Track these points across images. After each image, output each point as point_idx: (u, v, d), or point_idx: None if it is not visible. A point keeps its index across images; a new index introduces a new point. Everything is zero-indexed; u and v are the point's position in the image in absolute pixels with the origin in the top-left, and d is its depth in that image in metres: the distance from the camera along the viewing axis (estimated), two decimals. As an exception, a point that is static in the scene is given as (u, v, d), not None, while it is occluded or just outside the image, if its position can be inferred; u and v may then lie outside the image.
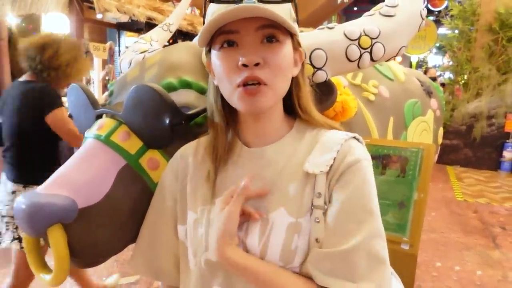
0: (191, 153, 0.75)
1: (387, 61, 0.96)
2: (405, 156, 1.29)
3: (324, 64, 0.85)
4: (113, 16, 4.23)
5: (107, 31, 6.98)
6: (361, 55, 0.86)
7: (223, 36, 0.63)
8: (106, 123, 0.83)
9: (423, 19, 0.94)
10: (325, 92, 0.91)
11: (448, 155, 6.84)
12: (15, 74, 3.94)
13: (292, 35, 0.66)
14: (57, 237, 0.70)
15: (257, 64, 0.61)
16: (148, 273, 0.77)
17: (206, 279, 0.68)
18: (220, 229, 0.63)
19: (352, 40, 0.85)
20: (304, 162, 0.66)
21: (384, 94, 1.59)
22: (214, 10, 0.63)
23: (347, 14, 17.18)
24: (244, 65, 0.60)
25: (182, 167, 0.74)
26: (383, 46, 0.87)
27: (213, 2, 0.63)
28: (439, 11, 10.76)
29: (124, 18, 4.84)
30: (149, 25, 4.62)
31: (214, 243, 0.63)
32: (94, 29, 6.03)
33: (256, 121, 0.69)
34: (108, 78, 4.50)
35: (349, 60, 0.86)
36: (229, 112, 0.71)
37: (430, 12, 12.18)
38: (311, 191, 0.65)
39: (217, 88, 0.70)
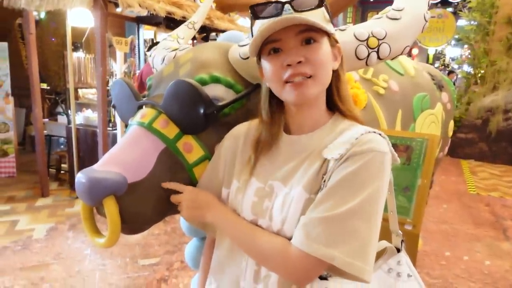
0: (244, 132, 0.91)
1: (393, 59, 1.07)
2: (411, 146, 1.40)
3: (336, 62, 0.97)
4: (133, 10, 4.37)
5: (126, 25, 7.16)
6: (369, 54, 0.97)
7: (269, 45, 0.76)
8: (148, 112, 0.97)
9: (426, 21, 1.05)
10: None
11: (463, 149, 6.83)
12: (40, 68, 4.14)
13: (328, 34, 0.78)
14: (110, 206, 0.85)
15: (299, 62, 0.73)
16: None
17: None
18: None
19: (361, 40, 0.97)
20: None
21: (394, 88, 1.69)
22: (259, 24, 0.76)
23: (364, 6, 16.97)
24: (289, 65, 0.73)
25: (233, 143, 0.91)
26: (389, 46, 0.98)
27: (257, 19, 0.77)
28: (458, 3, 10.57)
29: (143, 12, 4.97)
30: (168, 19, 4.76)
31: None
32: (114, 22, 6.21)
33: (300, 112, 0.81)
34: (129, 71, 4.68)
35: (358, 59, 0.97)
36: (277, 108, 0.85)
37: (448, 4, 11.97)
38: (322, 173, 0.75)
39: (266, 90, 0.85)
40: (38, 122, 4.21)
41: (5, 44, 4.98)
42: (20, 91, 5.56)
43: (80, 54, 5.63)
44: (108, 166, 0.87)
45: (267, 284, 0.78)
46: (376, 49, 0.97)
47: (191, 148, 0.95)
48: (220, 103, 0.94)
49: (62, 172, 4.94)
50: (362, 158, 0.70)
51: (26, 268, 2.76)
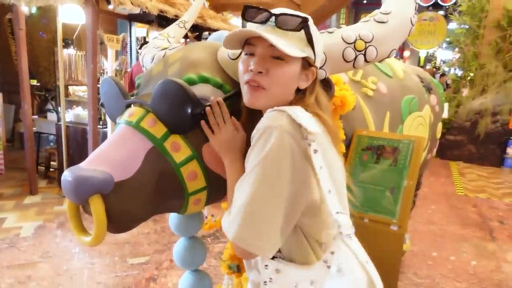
0: None
1: (380, 61, 1.08)
2: (398, 147, 1.42)
3: (324, 64, 0.98)
4: (126, 7, 4.35)
5: (118, 22, 7.11)
6: (356, 57, 0.99)
7: (246, 47, 0.86)
8: (136, 111, 0.97)
9: (412, 25, 1.06)
10: (325, 88, 1.04)
11: (451, 151, 6.92)
12: (30, 65, 4.09)
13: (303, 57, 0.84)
14: (97, 205, 0.85)
15: (260, 72, 0.82)
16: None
17: None
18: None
19: (348, 43, 0.98)
20: None
21: (382, 90, 1.72)
22: (245, 25, 0.87)
23: (357, 7, 17.07)
24: (251, 70, 0.82)
25: None
26: (376, 49, 0.99)
27: (246, 21, 0.84)
28: (449, 6, 10.70)
29: (136, 10, 4.95)
30: (160, 18, 4.74)
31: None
32: (105, 19, 6.16)
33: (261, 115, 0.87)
34: (120, 69, 4.65)
35: (346, 61, 0.99)
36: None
37: (439, 7, 12.10)
38: None
39: None
40: (27, 119, 4.16)
41: (-7, 40, 4.91)
42: (9, 87, 5.49)
43: (71, 51, 5.58)
44: (95, 164, 0.87)
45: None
46: (363, 52, 0.99)
47: (178, 148, 0.95)
48: (208, 103, 0.94)
49: (51, 169, 4.89)
50: (257, 138, 0.77)
51: (13, 266, 2.73)
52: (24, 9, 3.99)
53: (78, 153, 4.23)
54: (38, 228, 3.38)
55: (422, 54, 12.87)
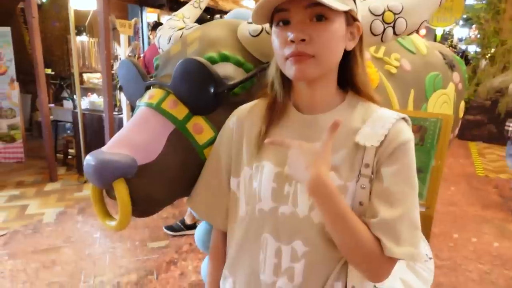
0: (247, 113, 0.85)
1: (409, 34, 1.02)
2: (425, 126, 1.37)
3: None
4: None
5: (128, 7, 7.06)
6: (384, 30, 0.93)
7: (278, 15, 0.71)
8: (156, 93, 0.94)
9: (444, -6, 1.00)
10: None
11: (470, 131, 6.75)
12: (44, 53, 4.10)
13: (346, 11, 0.70)
14: (121, 189, 0.83)
15: (303, 40, 0.68)
16: (203, 215, 0.91)
17: (257, 226, 0.79)
18: (320, 156, 0.67)
19: (376, 15, 0.93)
20: (354, 133, 0.74)
21: (406, 67, 1.65)
22: None
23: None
24: (292, 41, 0.68)
25: (237, 127, 0.85)
26: (406, 21, 0.94)
27: None
28: (468, -19, 10.26)
29: (146, -6, 4.89)
30: (171, 1, 4.68)
31: (311, 166, 0.66)
32: (116, 5, 6.12)
33: (308, 90, 0.76)
34: (133, 55, 4.63)
35: (374, 34, 0.93)
36: (286, 82, 0.79)
37: (457, -18, 11.62)
38: (360, 161, 0.73)
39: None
40: (44, 108, 4.20)
41: (8, 29, 4.94)
42: (25, 77, 5.54)
43: (83, 38, 5.58)
44: (118, 148, 0.86)
45: (292, 276, 0.75)
46: (392, 24, 0.93)
47: (201, 129, 0.92)
48: (230, 82, 0.91)
49: (69, 157, 4.96)
50: (406, 149, 0.72)
51: (38, 251, 2.80)
52: (36, -3, 3.98)
53: (95, 140, 4.27)
54: (59, 214, 3.45)
55: (439, 32, 12.47)
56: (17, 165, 4.88)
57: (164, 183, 0.90)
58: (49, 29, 6.17)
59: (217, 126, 0.94)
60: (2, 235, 3.03)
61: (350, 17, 0.73)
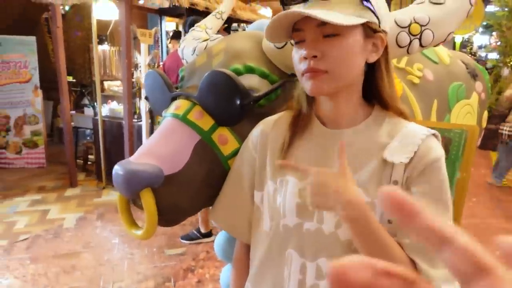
0: (272, 125, 0.85)
1: (435, 46, 1.01)
2: (449, 137, 1.35)
3: (376, 50, 0.93)
4: (156, 2, 4.39)
5: (148, 17, 7.21)
6: (411, 42, 0.93)
7: (294, 34, 0.74)
8: (182, 104, 0.96)
9: (471, 5, 0.99)
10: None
11: (492, 141, 6.58)
12: (66, 62, 4.22)
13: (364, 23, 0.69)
14: (147, 198, 0.85)
15: (315, 56, 0.69)
16: (225, 227, 0.91)
17: (282, 241, 0.78)
18: (344, 176, 0.65)
19: (402, 27, 0.92)
20: (382, 149, 0.72)
21: (429, 77, 1.63)
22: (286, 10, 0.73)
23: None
24: (305, 58, 0.70)
25: (262, 139, 0.85)
26: (432, 33, 0.93)
27: (286, 5, 0.74)
28: (488, -12, 10.11)
29: (166, 4, 4.99)
30: (190, 10, 4.75)
31: (341, 188, 0.63)
32: (137, 15, 6.26)
33: (330, 103, 0.76)
34: (153, 63, 4.71)
35: (400, 46, 0.93)
36: (309, 98, 0.80)
37: (477, -11, 11.45)
38: (388, 177, 0.71)
39: None
40: (66, 115, 4.31)
41: (33, 38, 5.11)
42: (48, 84, 5.70)
43: (105, 46, 5.72)
44: (145, 158, 0.87)
45: None
46: (418, 36, 0.93)
47: (226, 140, 0.93)
48: (256, 94, 0.92)
49: (89, 163, 5.06)
50: (437, 167, 0.71)
51: (58, 256, 2.85)
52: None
53: (114, 146, 4.35)
54: (79, 219, 3.51)
55: (458, 39, 12.29)
56: (39, 170, 5.01)
57: (190, 192, 0.91)
58: (71, 38, 6.34)
59: (242, 137, 0.95)
60: (25, 239, 3.10)
61: (369, 29, 0.72)
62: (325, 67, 0.69)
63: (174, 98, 1.01)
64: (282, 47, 0.98)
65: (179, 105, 0.96)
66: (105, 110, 4.55)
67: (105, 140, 4.35)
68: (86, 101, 5.83)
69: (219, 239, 1.53)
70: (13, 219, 3.49)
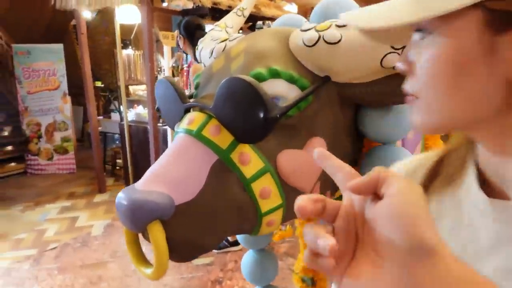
0: (411, 174, 0.55)
1: None
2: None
3: None
4: (179, 4, 4.30)
5: (172, 19, 7.18)
6: None
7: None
8: (196, 117, 0.81)
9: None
10: None
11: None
12: (94, 67, 4.22)
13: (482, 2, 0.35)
14: (156, 233, 0.71)
15: (408, 69, 0.44)
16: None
17: None
18: None
19: None
20: None
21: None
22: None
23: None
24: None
25: None
26: None
27: None
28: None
29: (189, 5, 4.90)
30: (213, 10, 4.63)
31: None
32: (160, 17, 6.23)
33: (485, 150, 0.45)
34: (177, 66, 4.64)
35: None
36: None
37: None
38: None
39: None
40: (93, 120, 4.31)
41: (60, 46, 5.18)
42: (77, 90, 5.78)
43: (129, 51, 5.72)
44: (152, 185, 0.73)
45: None
46: None
47: (248, 160, 0.78)
48: (284, 104, 0.76)
49: (117, 168, 5.07)
50: None
51: (86, 266, 2.81)
52: (86, 15, 4.11)
53: (141, 151, 4.31)
54: (107, 226, 3.48)
55: None
56: (70, 176, 5.07)
57: (206, 224, 0.76)
58: (98, 44, 6.41)
59: (267, 155, 0.80)
60: (54, 248, 3.09)
61: (497, 17, 0.36)
62: (411, 89, 0.44)
63: (187, 110, 0.87)
64: (314, 44, 0.81)
65: (193, 119, 0.81)
66: (131, 114, 4.52)
67: (132, 145, 4.32)
68: (113, 106, 5.86)
69: (247, 260, 1.39)
70: (44, 227, 3.51)
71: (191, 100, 0.88)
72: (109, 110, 6.12)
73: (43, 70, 5.13)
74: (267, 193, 0.80)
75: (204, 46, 1.15)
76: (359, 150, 0.99)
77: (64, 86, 5.21)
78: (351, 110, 0.91)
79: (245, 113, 0.74)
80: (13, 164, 5.38)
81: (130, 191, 0.73)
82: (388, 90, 0.82)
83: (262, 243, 1.33)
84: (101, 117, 5.24)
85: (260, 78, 0.80)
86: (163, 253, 0.72)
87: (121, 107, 4.37)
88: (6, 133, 5.67)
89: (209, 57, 1.09)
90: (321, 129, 0.85)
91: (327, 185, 0.92)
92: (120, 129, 4.52)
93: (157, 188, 0.73)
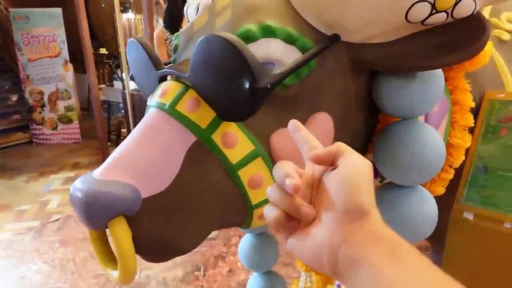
0: None
1: None
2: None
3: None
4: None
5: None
6: None
7: None
8: (170, 87, 0.65)
9: None
10: (468, 34, 0.63)
11: None
12: (98, 33, 4.02)
13: None
14: (119, 232, 0.57)
15: None
16: None
17: None
18: None
19: None
20: None
21: (523, 30, 1.20)
22: None
23: None
24: None
25: None
26: None
27: None
28: None
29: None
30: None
31: None
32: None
33: None
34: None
35: None
36: None
37: None
38: None
39: None
40: (94, 89, 4.18)
41: (59, 10, 4.95)
42: (81, 57, 5.62)
43: (130, 15, 5.47)
44: (114, 173, 0.59)
45: None
46: None
47: (234, 142, 0.62)
48: (278, 70, 0.59)
49: (122, 137, 4.98)
50: None
51: (87, 239, 2.75)
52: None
53: (144, 121, 4.18)
54: (110, 198, 3.42)
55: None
56: (75, 146, 5.01)
57: (182, 220, 0.62)
58: (101, 9, 6.15)
59: (258, 136, 0.64)
60: (56, 220, 3.05)
61: None
62: None
63: (163, 79, 0.71)
64: (319, -8, 0.63)
65: (166, 90, 0.65)
66: (132, 83, 4.36)
67: (135, 114, 4.18)
68: (116, 74, 5.70)
69: (244, 244, 1.27)
70: (47, 198, 3.47)
71: (167, 66, 0.71)
72: (113, 78, 5.96)
73: (42, 36, 4.94)
74: (258, 182, 0.65)
75: (191, 2, 0.97)
76: (373, 127, 0.82)
77: (65, 53, 5.03)
78: (364, 78, 0.74)
79: (228, 83, 0.58)
80: (19, 133, 5.32)
81: (87, 181, 0.59)
82: (414, 51, 0.65)
83: (261, 227, 1.20)
84: (103, 86, 5.09)
85: (249, 36, 0.62)
86: (127, 255, 0.58)
87: (123, 75, 4.20)
88: (11, 102, 5.59)
89: (196, 14, 0.91)
90: (326, 103, 0.68)
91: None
92: (122, 98, 4.38)
93: (119, 177, 0.58)
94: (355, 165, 0.37)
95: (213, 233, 2.77)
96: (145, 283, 2.26)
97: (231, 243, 2.64)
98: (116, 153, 0.62)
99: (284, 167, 0.39)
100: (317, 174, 0.41)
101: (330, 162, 0.39)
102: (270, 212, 0.39)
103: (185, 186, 0.61)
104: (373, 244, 0.33)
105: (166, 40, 3.32)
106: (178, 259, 2.40)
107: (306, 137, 0.43)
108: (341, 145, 0.39)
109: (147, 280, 2.28)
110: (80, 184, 0.59)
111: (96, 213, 0.56)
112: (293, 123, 0.45)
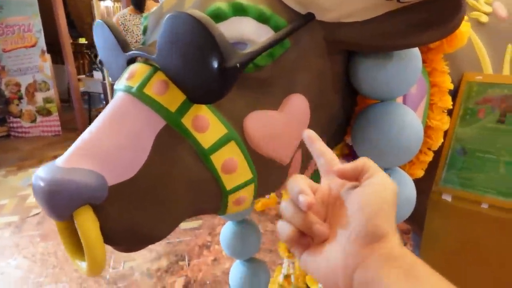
0: None
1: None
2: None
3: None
4: None
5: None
6: None
7: None
8: (138, 70, 0.62)
9: None
10: (444, 12, 0.62)
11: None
12: (76, 22, 3.89)
13: None
14: (84, 222, 0.55)
15: None
16: None
17: None
18: None
19: None
20: None
21: (501, 12, 1.20)
22: None
23: None
24: None
25: None
26: None
27: None
28: None
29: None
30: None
31: None
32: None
33: None
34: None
35: None
36: None
37: None
38: None
39: None
40: (73, 80, 4.07)
41: (34, -2, 4.77)
42: (59, 47, 5.45)
43: (108, 2, 5.32)
44: (78, 160, 0.56)
45: None
46: None
47: (206, 125, 0.60)
48: (249, 49, 0.57)
49: (103, 129, 4.88)
50: None
51: (69, 232, 2.71)
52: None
53: (125, 112, 4.11)
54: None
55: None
56: (55, 138, 4.89)
57: (153, 208, 0.60)
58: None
59: (231, 118, 0.62)
60: (36, 214, 2.98)
61: None
62: None
63: (131, 61, 0.68)
64: (292, -32, 0.60)
65: (134, 72, 0.62)
66: (113, 73, 4.26)
67: (116, 105, 4.10)
68: (96, 64, 5.56)
69: (226, 232, 1.26)
70: (26, 192, 3.38)
71: (135, 48, 0.68)
72: (93, 68, 5.81)
73: (17, 25, 4.76)
74: (232, 167, 0.63)
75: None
76: (351, 109, 0.81)
77: (42, 43, 4.86)
78: (341, 59, 0.72)
79: (196, 63, 0.55)
80: (-4, 127, 5.17)
81: (49, 168, 0.56)
82: (390, 30, 0.63)
83: (241, 215, 1.19)
84: (83, 76, 4.96)
85: (219, 15, 0.60)
86: (94, 246, 0.56)
87: (102, 64, 4.09)
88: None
89: (167, -5, 0.88)
90: (301, 84, 0.66)
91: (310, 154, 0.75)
92: (103, 89, 4.29)
93: (84, 164, 0.55)
94: (379, 189, 0.36)
95: (198, 223, 2.75)
96: (129, 274, 2.23)
97: (216, 232, 2.62)
98: (81, 139, 0.59)
99: (298, 183, 0.38)
100: (334, 190, 0.40)
101: (355, 178, 0.39)
102: (283, 228, 0.39)
103: (155, 172, 0.58)
104: (389, 265, 0.33)
105: (122, 26, 3.31)
106: (162, 249, 2.39)
107: (322, 149, 0.43)
108: (367, 161, 0.39)
109: (131, 272, 2.26)
110: (43, 172, 0.56)
111: (59, 202, 0.54)
112: (308, 134, 0.45)
